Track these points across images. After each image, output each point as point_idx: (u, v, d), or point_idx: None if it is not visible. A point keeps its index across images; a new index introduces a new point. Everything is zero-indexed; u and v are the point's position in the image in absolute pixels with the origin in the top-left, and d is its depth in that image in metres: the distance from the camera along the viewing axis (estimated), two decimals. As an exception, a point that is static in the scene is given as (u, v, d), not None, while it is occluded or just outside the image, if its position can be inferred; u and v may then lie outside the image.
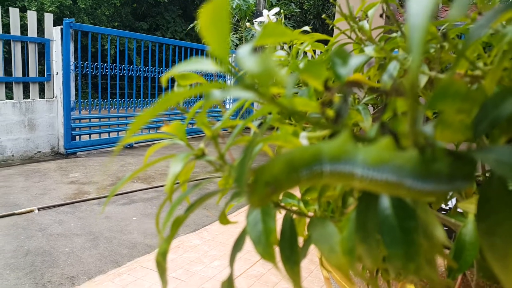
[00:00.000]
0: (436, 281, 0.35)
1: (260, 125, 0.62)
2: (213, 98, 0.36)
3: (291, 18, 14.25)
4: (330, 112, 0.36)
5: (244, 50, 0.33)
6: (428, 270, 0.35)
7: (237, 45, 12.58)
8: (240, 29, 13.08)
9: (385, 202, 0.36)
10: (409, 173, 0.28)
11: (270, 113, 0.58)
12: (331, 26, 0.93)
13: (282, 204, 0.65)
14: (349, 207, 0.52)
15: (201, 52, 9.31)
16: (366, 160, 0.28)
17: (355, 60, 0.36)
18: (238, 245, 0.48)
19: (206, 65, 0.33)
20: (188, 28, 14.54)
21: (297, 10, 14.17)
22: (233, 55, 8.02)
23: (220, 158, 0.45)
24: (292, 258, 0.46)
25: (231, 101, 9.15)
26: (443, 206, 1.07)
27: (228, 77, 9.24)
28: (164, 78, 0.35)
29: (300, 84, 0.91)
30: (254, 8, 12.09)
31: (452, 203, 0.95)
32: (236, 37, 13.03)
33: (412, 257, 0.34)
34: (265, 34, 0.34)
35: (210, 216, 3.73)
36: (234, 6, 12.15)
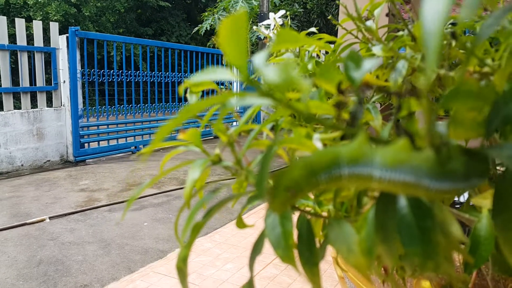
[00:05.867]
0: (454, 277, 0.36)
1: (272, 128, 0.63)
2: (229, 106, 0.37)
3: (295, 18, 14.23)
4: (345, 114, 0.36)
5: (260, 58, 0.34)
6: (447, 266, 0.36)
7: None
8: (244, 31, 13.08)
9: (402, 201, 0.36)
10: (426, 173, 0.28)
11: (281, 117, 0.59)
12: (337, 26, 0.93)
13: (297, 206, 0.66)
14: (364, 207, 0.53)
15: (206, 56, 9.35)
16: (383, 161, 0.29)
17: (368, 63, 0.37)
18: (257, 248, 0.48)
19: (223, 74, 0.34)
20: (193, 31, 14.57)
21: (301, 10, 14.15)
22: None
23: (237, 163, 0.46)
24: (311, 259, 0.46)
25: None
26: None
27: (234, 82, 9.21)
28: (181, 89, 0.36)
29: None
30: (258, 10, 12.09)
31: (464, 197, 0.95)
32: (239, 39, 13.03)
33: (431, 255, 0.34)
34: (279, 40, 0.35)
35: (221, 219, 3.73)
36: (237, 8, 12.16)
